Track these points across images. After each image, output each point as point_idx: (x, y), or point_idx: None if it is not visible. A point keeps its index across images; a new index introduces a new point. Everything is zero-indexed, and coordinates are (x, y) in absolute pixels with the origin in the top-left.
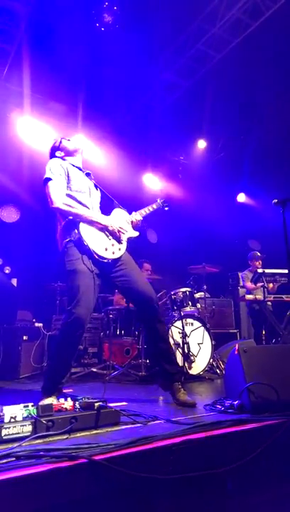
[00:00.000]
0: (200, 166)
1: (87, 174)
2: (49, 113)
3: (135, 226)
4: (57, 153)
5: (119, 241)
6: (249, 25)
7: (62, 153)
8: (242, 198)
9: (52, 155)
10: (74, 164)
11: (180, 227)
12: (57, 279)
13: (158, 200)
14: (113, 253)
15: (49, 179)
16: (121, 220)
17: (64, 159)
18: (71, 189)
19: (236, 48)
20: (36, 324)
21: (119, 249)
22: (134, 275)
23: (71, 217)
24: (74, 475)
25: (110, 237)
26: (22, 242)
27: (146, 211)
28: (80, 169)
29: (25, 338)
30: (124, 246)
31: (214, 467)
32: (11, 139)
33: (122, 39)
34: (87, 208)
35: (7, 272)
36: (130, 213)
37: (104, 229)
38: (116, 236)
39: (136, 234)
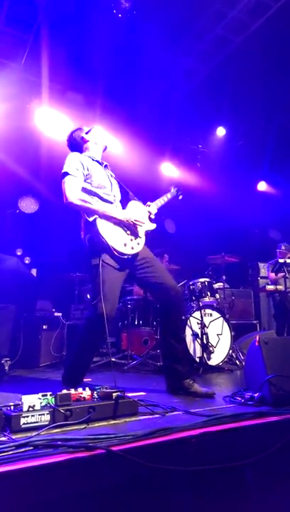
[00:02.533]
0: (219, 154)
1: (105, 166)
2: (67, 103)
3: (151, 218)
4: (82, 138)
5: (137, 235)
6: (270, 6)
7: (88, 139)
8: (262, 186)
9: (72, 147)
10: (94, 158)
11: (199, 217)
12: (75, 269)
13: (172, 189)
14: (132, 248)
15: (66, 174)
16: (138, 212)
17: (85, 150)
18: (92, 185)
19: (256, 32)
20: (56, 314)
21: (138, 243)
22: (157, 270)
23: (86, 214)
24: (91, 465)
25: (128, 231)
26: (41, 232)
27: (161, 202)
28: (99, 162)
29: (44, 327)
30: (142, 240)
31: (233, 460)
32: (29, 130)
33: (139, 26)
34: (110, 202)
35: (27, 262)
36: (145, 204)
37: (120, 223)
38: (133, 230)
39: (153, 226)
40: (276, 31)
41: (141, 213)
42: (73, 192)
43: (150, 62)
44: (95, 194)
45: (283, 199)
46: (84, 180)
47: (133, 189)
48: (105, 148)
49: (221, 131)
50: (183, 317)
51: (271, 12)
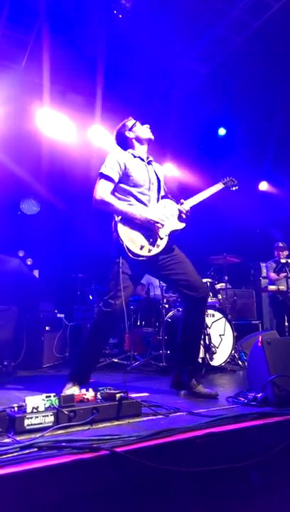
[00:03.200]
0: (220, 154)
1: (149, 162)
2: (68, 104)
3: (182, 217)
4: (128, 134)
5: (156, 237)
6: (270, 6)
7: (132, 135)
8: (264, 186)
9: (120, 144)
10: (136, 154)
11: (201, 217)
12: (78, 270)
13: (225, 180)
14: (149, 251)
15: (101, 174)
16: (164, 211)
17: (131, 146)
18: (128, 184)
19: (257, 31)
20: (58, 315)
21: (158, 245)
22: (183, 267)
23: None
24: (95, 466)
25: (148, 233)
26: (43, 234)
27: (198, 198)
28: (141, 159)
29: (47, 328)
30: (163, 241)
31: (237, 461)
32: (30, 131)
33: (140, 26)
34: (144, 203)
35: (29, 263)
36: (178, 202)
37: (142, 225)
38: (155, 231)
39: (180, 226)
40: (277, 30)
41: (169, 212)
42: (101, 194)
43: (150, 63)
44: (130, 193)
45: (285, 199)
46: (121, 179)
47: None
48: (149, 142)
49: (222, 131)
50: (204, 314)
51: (272, 11)
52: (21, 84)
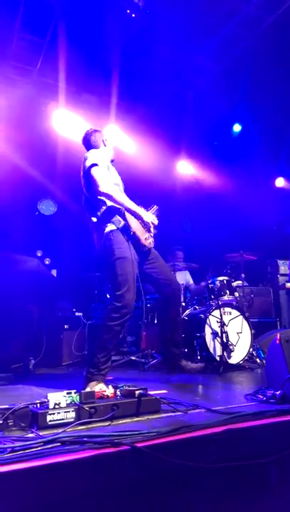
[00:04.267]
0: (235, 150)
1: (114, 164)
2: (83, 105)
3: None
4: (102, 142)
5: (150, 232)
6: (284, 1)
7: (101, 143)
8: (280, 182)
9: (89, 146)
10: (109, 157)
11: (217, 215)
12: (95, 269)
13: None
14: (149, 243)
15: (95, 164)
16: (151, 214)
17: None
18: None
19: (270, 26)
20: (76, 314)
21: (151, 242)
22: (162, 266)
23: (115, 204)
24: (117, 461)
25: (145, 228)
26: (60, 233)
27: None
28: (112, 162)
29: (66, 326)
30: (152, 239)
31: (256, 457)
32: (46, 133)
33: (153, 25)
34: None
35: (47, 263)
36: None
37: (139, 219)
38: (148, 228)
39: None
40: None
41: (154, 216)
42: (105, 180)
43: (164, 61)
44: None
45: None
46: None
47: (149, 188)
48: (113, 144)
49: (237, 128)
50: (180, 308)
51: (286, 6)
52: (36, 86)
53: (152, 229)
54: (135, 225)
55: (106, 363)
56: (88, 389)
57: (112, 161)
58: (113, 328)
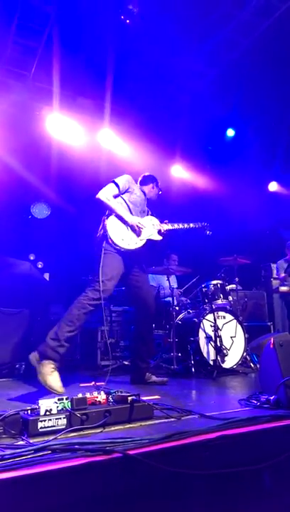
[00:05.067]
0: (229, 155)
1: (148, 205)
2: (77, 109)
3: (161, 232)
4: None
5: (138, 235)
6: (278, 7)
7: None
8: (273, 186)
9: (143, 182)
10: (144, 190)
11: (210, 219)
12: (87, 273)
13: (201, 224)
14: (128, 244)
15: (113, 181)
16: (148, 222)
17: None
18: (129, 199)
19: (265, 32)
20: None
21: (136, 243)
22: (145, 282)
23: (107, 212)
24: (108, 469)
25: (131, 231)
26: (53, 237)
27: (178, 225)
28: (144, 194)
29: None
30: (141, 242)
31: (250, 463)
32: (41, 137)
33: (148, 30)
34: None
35: (40, 266)
36: (163, 221)
37: (126, 223)
38: (134, 230)
39: (158, 238)
40: (285, 31)
41: (151, 223)
42: (105, 193)
43: (159, 66)
44: (127, 205)
45: None
46: (124, 193)
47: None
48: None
49: (231, 132)
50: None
51: (280, 12)
52: (31, 91)
53: (144, 233)
54: (116, 228)
55: (67, 341)
56: (39, 368)
57: (144, 193)
58: (86, 307)
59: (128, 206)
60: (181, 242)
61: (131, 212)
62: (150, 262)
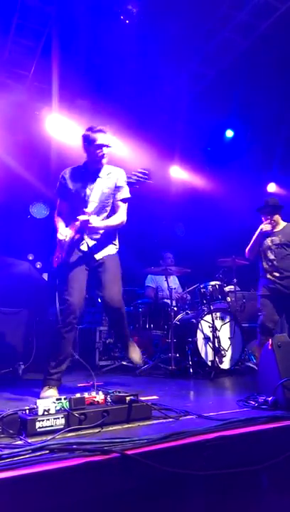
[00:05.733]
0: (228, 156)
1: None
2: (76, 110)
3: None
4: None
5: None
6: (277, 8)
7: None
8: (272, 187)
9: None
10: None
11: (209, 220)
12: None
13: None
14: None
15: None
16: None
17: None
18: None
19: (263, 33)
20: None
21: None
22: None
23: None
24: (106, 469)
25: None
26: (52, 237)
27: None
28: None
29: None
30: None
31: (248, 464)
32: (40, 137)
33: (146, 31)
34: None
35: (38, 266)
36: None
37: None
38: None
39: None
40: (284, 32)
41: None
42: None
43: (157, 67)
44: None
45: None
46: None
47: (143, 192)
48: None
49: (229, 133)
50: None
51: (279, 13)
52: (30, 91)
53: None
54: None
55: (57, 367)
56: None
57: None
58: (59, 332)
59: None
60: (179, 242)
61: None
62: (149, 263)
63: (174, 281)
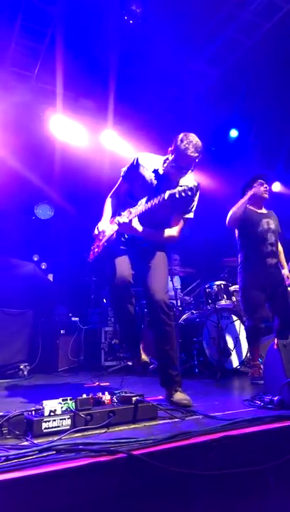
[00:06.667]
0: (232, 156)
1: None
2: (80, 110)
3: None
4: None
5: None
6: (281, 7)
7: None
8: (277, 187)
9: None
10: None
11: (213, 219)
12: (91, 274)
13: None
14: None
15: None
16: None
17: None
18: None
19: (268, 33)
20: (73, 318)
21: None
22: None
23: None
24: (113, 469)
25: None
26: (57, 238)
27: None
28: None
29: (62, 332)
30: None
31: (254, 464)
32: (44, 138)
33: (150, 31)
34: None
35: (43, 267)
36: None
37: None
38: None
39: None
40: (288, 31)
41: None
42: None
43: (161, 67)
44: None
45: None
46: None
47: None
48: None
49: (234, 133)
50: None
51: (283, 12)
52: (34, 92)
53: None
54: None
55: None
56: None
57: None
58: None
59: None
60: (184, 242)
61: None
62: None
63: (177, 282)
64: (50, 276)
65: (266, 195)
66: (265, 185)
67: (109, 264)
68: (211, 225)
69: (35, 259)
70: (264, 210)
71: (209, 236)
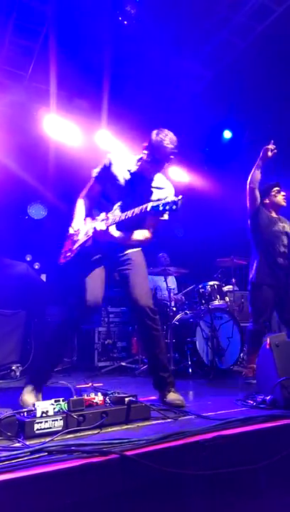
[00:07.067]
0: (226, 156)
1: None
2: (74, 110)
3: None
4: None
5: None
6: (274, 10)
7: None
8: None
9: None
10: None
11: (207, 220)
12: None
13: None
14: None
15: None
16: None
17: None
18: None
19: (261, 35)
20: None
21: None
22: None
23: None
24: (105, 470)
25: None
26: (50, 238)
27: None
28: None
29: None
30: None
31: (247, 463)
32: (37, 137)
33: (145, 31)
34: None
35: (36, 267)
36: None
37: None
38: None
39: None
40: (282, 33)
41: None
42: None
43: (156, 67)
44: None
45: None
46: None
47: None
48: None
49: (227, 134)
50: None
51: (276, 15)
52: (28, 91)
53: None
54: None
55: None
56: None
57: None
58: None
59: None
60: (178, 243)
61: None
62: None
63: (172, 282)
64: (43, 277)
65: (284, 203)
66: (283, 193)
67: (80, 277)
68: (205, 225)
69: (28, 259)
70: (280, 217)
71: (202, 237)
